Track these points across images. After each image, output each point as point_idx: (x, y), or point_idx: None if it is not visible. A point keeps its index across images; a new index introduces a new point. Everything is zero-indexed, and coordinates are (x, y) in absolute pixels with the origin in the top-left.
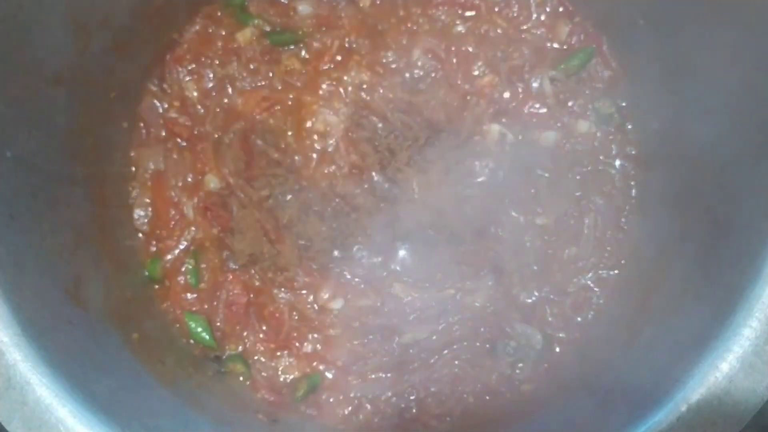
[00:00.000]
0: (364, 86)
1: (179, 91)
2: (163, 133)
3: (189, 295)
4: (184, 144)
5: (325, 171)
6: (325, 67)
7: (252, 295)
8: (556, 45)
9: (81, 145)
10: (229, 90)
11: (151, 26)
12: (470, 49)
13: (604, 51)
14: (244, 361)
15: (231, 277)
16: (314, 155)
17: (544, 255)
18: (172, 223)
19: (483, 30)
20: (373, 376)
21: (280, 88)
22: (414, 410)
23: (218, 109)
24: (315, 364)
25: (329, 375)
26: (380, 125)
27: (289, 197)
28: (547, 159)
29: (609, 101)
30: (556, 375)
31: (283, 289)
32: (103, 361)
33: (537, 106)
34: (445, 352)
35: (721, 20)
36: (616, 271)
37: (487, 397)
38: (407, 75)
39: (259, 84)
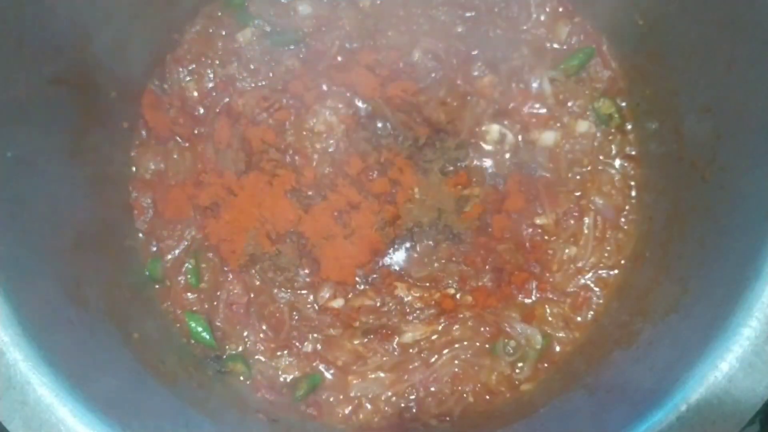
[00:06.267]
0: (365, 86)
1: (179, 91)
2: (164, 133)
3: (189, 295)
4: (185, 144)
5: (326, 171)
6: (326, 68)
7: (252, 295)
8: (555, 45)
9: (81, 145)
10: (230, 90)
11: (151, 26)
12: (470, 49)
13: (604, 51)
14: (244, 360)
15: (231, 276)
16: (315, 155)
17: (544, 255)
18: (173, 223)
19: (483, 30)
20: (373, 375)
21: (280, 88)
22: (414, 410)
23: (218, 109)
24: (315, 364)
25: (329, 375)
26: (380, 125)
27: (290, 197)
28: (547, 159)
29: (609, 101)
30: (556, 375)
31: (283, 289)
32: (103, 360)
33: (537, 106)
34: (445, 352)
35: (720, 20)
36: (616, 271)
37: (487, 397)
38: (407, 75)
39: (260, 84)
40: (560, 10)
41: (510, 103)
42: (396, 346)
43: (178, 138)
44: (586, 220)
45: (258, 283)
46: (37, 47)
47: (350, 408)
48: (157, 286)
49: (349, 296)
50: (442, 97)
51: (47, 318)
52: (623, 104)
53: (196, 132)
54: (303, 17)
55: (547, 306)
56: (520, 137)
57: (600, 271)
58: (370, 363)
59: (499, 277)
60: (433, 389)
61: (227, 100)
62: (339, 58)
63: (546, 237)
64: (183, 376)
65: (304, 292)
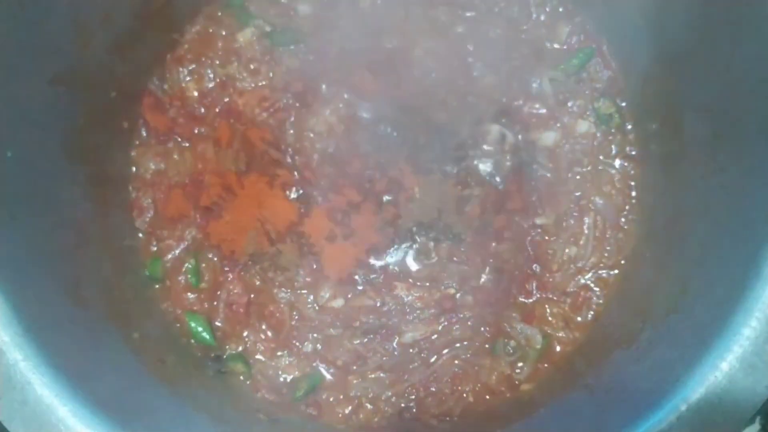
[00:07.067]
0: (364, 86)
1: (179, 91)
2: (164, 133)
3: (189, 295)
4: (185, 144)
5: (326, 171)
6: (326, 68)
7: (252, 295)
8: (556, 45)
9: (81, 145)
10: (230, 90)
11: (151, 26)
12: (470, 49)
13: (604, 51)
14: (244, 360)
15: (231, 276)
16: (315, 155)
17: (544, 255)
18: (173, 223)
19: (483, 30)
20: (373, 375)
21: (280, 88)
22: (414, 410)
23: (218, 109)
24: (315, 363)
25: (329, 375)
26: (380, 125)
27: (290, 197)
28: (547, 159)
29: (609, 101)
30: (556, 375)
31: (283, 289)
32: (103, 360)
33: (537, 106)
34: (445, 351)
35: (720, 20)
36: (616, 271)
37: (487, 397)
38: (407, 75)
39: (260, 84)
40: (560, 10)
41: (510, 103)
42: (396, 346)
43: (178, 138)
44: (586, 220)
45: (258, 283)
46: (37, 47)
47: (350, 408)
48: (157, 286)
49: (349, 296)
50: (442, 97)
51: (47, 318)
52: (623, 104)
53: (196, 132)
54: (303, 17)
55: (547, 306)
56: (520, 137)
57: (600, 271)
58: (370, 363)
59: (499, 277)
60: (433, 389)
61: (227, 100)
62: (339, 59)
63: (546, 237)
64: (183, 376)
65: (304, 292)
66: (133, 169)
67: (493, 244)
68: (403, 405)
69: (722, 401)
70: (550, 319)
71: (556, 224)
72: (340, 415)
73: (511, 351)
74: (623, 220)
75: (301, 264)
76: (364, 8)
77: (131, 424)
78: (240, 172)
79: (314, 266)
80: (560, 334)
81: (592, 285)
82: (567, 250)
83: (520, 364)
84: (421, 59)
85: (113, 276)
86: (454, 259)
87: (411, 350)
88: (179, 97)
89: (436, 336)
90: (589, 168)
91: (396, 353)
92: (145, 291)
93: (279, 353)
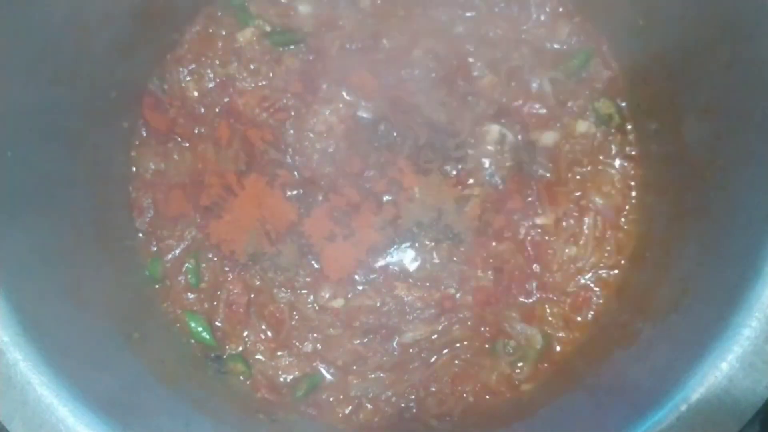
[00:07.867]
0: (364, 86)
1: (179, 91)
2: (164, 133)
3: (189, 295)
4: (185, 144)
5: (326, 171)
6: (325, 68)
7: (252, 295)
8: (556, 45)
9: (81, 145)
10: (230, 90)
11: (151, 26)
12: (470, 49)
13: (604, 51)
14: (244, 360)
15: (231, 276)
16: (315, 155)
17: (544, 255)
18: (173, 223)
19: (483, 30)
20: (373, 375)
21: (280, 88)
22: (414, 410)
23: (218, 109)
24: (315, 363)
25: (329, 375)
26: (380, 125)
27: (290, 197)
28: (547, 159)
29: (609, 101)
30: (556, 375)
31: (283, 289)
32: (103, 360)
33: (537, 106)
34: (445, 351)
35: (720, 20)
36: (616, 271)
37: (487, 397)
38: (407, 75)
39: (260, 84)
40: (560, 10)
41: (510, 103)
42: (396, 346)
43: (178, 138)
44: (586, 220)
45: (258, 283)
46: (37, 47)
47: (350, 408)
48: (157, 286)
49: (349, 296)
50: (442, 97)
51: (47, 318)
52: (623, 104)
53: (196, 132)
54: (303, 17)
55: (547, 306)
56: (520, 137)
57: (600, 271)
58: (370, 363)
59: (499, 277)
60: (433, 389)
61: (227, 100)
62: (339, 59)
63: (546, 237)
64: (183, 376)
65: (304, 292)
66: (133, 169)
67: (493, 244)
68: (403, 405)
69: (722, 401)
70: (550, 319)
71: (556, 224)
72: (340, 415)
73: (511, 351)
74: (623, 220)
75: (301, 264)
76: (364, 8)
77: (131, 424)
78: (240, 172)
79: (314, 266)
80: (560, 334)
81: (592, 285)
82: (567, 250)
83: (520, 364)
84: (421, 59)
85: (113, 276)
86: (454, 259)
87: (411, 350)
88: (179, 97)
89: (436, 336)
90: (589, 168)
91: (396, 353)
92: (145, 291)
93: (279, 353)
